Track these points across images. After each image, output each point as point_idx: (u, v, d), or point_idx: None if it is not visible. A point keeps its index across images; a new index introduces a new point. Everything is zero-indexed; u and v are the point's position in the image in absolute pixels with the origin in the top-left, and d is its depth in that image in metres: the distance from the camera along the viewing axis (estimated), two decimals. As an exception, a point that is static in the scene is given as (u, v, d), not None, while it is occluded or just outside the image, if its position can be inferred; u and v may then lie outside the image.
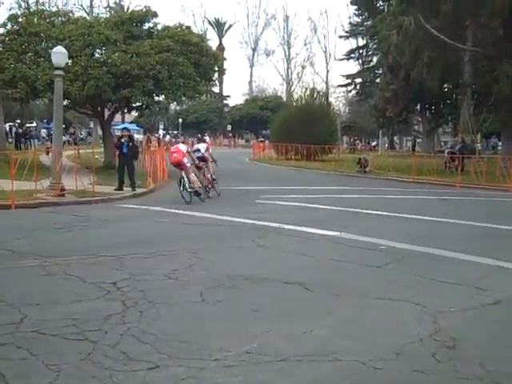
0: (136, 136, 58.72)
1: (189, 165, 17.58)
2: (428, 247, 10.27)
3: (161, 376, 4.69)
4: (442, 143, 70.65)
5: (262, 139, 55.16)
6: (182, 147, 18.18)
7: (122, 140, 20.01)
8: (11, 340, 5.31)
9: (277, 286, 7.50)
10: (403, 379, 4.84)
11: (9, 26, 26.75)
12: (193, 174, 17.60)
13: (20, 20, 26.49)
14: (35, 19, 26.60)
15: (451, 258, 9.59)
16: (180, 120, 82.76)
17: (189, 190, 17.11)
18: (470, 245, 10.73)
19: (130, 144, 19.94)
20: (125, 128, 23.12)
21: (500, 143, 44.04)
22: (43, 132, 52.38)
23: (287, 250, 9.95)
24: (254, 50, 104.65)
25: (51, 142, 35.20)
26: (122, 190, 19.16)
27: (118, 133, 23.37)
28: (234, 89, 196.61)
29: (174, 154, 17.46)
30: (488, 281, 8.03)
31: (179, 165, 17.38)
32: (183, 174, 17.20)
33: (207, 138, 28.24)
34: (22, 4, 31.44)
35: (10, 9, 38.36)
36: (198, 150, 19.02)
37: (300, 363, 5.00)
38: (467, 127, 36.33)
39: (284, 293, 7.24)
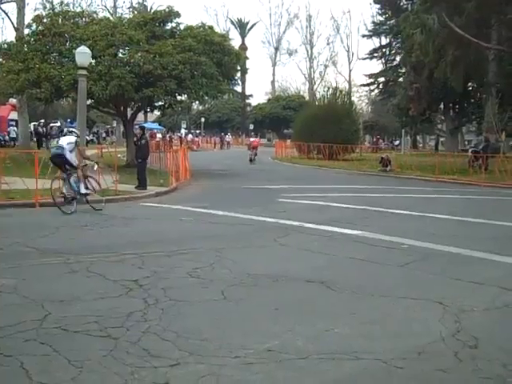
0: (158, 135, 59.00)
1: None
2: (451, 246, 10.18)
3: (182, 373, 4.70)
4: (466, 142, 69.89)
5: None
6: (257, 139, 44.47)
7: (134, 139, 20.18)
8: (35, 336, 5.36)
9: (298, 285, 7.49)
10: (424, 378, 4.80)
11: (34, 27, 27.07)
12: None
13: (45, 21, 26.74)
14: (60, 20, 26.84)
15: (475, 257, 9.49)
16: (202, 119, 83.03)
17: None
18: (494, 244, 10.61)
19: (138, 143, 20.07)
20: (140, 126, 23.27)
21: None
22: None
23: (309, 249, 9.92)
24: (276, 49, 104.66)
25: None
26: (145, 188, 19.23)
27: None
28: (257, 88, 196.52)
29: (254, 143, 41.33)
30: (512, 280, 7.93)
31: (256, 148, 40.38)
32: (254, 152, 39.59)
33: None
34: (47, 5, 31.65)
35: (35, 10, 38.93)
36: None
37: (321, 361, 4.98)
38: (491, 126, 35.92)
39: (306, 291, 7.23)
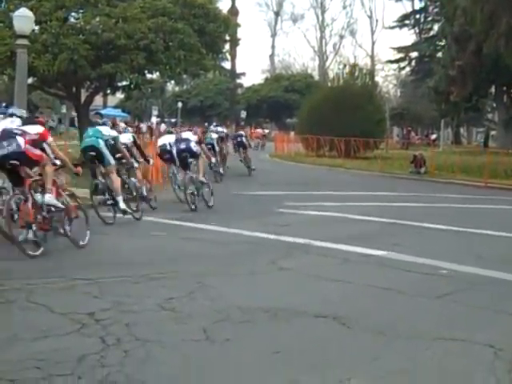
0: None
1: None
2: (504, 272, 10.19)
3: None
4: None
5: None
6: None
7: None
8: (-43, 387, 5.33)
9: (305, 321, 7.48)
10: None
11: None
12: None
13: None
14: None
15: (535, 286, 9.52)
16: (179, 104, 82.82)
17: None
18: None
19: None
20: (96, 113, 23.24)
21: None
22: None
23: (318, 275, 9.91)
24: (277, 14, 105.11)
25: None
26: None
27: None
28: (251, 65, 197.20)
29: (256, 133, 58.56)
30: None
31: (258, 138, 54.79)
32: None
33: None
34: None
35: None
36: None
37: (333, 422, 4.97)
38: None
39: (314, 330, 7.21)
